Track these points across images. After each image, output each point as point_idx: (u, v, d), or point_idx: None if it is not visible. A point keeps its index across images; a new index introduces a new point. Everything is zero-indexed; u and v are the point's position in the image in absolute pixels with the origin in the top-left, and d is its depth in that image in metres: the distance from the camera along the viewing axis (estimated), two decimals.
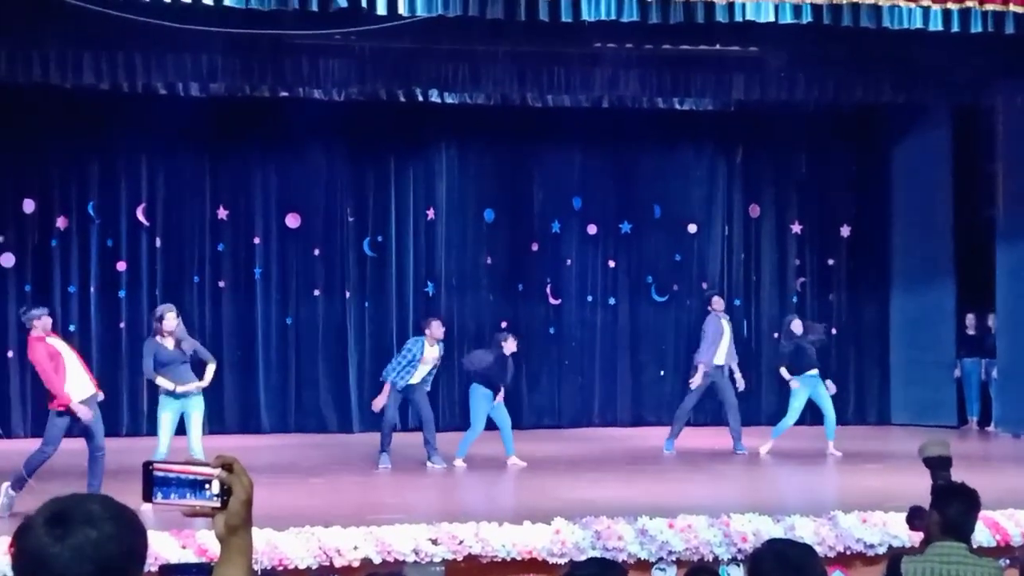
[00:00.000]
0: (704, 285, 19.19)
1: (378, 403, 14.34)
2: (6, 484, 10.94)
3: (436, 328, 14.38)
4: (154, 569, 6.80)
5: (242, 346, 17.82)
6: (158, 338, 12.21)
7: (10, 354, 16.78)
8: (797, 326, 15.57)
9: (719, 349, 15.56)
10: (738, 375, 15.78)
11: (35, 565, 2.38)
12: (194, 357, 12.35)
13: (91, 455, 11.21)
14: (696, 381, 15.54)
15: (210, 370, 12.37)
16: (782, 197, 19.53)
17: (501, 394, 14.54)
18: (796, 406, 15.44)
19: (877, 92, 16.67)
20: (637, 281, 19.12)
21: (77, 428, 11.21)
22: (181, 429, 12.22)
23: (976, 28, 13.38)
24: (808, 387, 15.41)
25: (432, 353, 14.29)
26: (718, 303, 15.82)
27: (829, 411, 15.48)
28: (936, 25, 13.23)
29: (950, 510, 5.84)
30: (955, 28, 13.32)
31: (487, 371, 14.44)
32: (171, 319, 12.22)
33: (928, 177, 18.55)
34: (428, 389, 14.55)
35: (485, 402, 14.46)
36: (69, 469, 11.27)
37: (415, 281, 18.25)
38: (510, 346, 14.50)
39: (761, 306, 19.31)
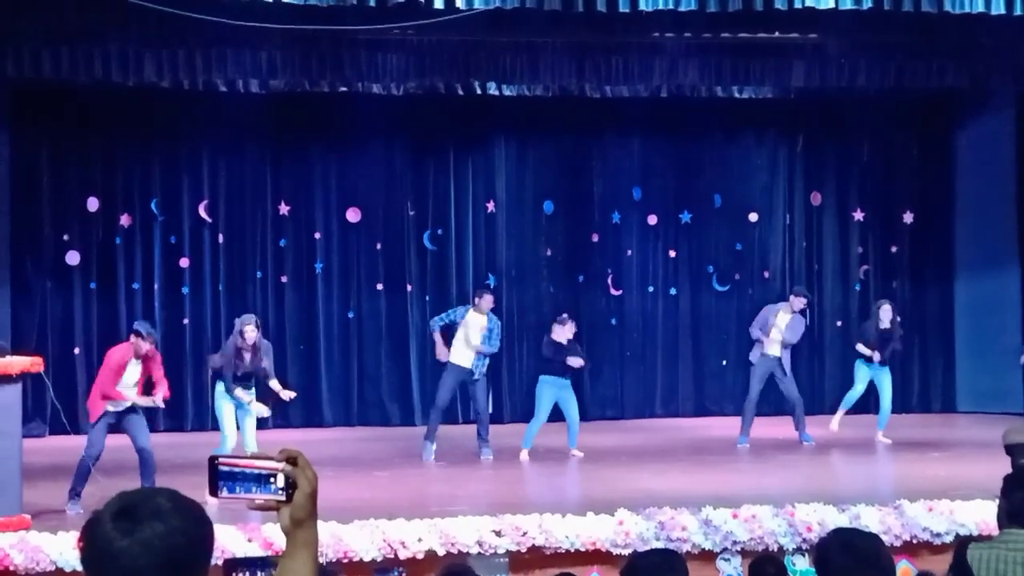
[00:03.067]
0: (766, 274, 19.10)
1: (440, 353, 14.62)
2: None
3: (486, 301, 14.59)
4: (220, 563, 6.86)
5: (305, 341, 17.92)
6: (240, 351, 12.38)
7: (76, 351, 16.95)
8: (887, 312, 15.43)
9: (771, 338, 15.36)
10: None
11: (103, 559, 2.40)
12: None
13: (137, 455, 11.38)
14: (754, 354, 15.45)
15: (274, 385, 12.61)
16: (844, 184, 19.38)
17: (579, 360, 14.51)
18: (861, 379, 15.45)
19: (940, 77, 16.47)
20: (698, 271, 19.04)
21: (121, 426, 11.41)
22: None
23: None
24: (870, 370, 15.38)
25: (477, 321, 14.38)
26: (798, 302, 15.47)
27: (886, 401, 15.46)
28: (999, 9, 13.08)
29: (1015, 497, 5.77)
30: (1017, 11, 13.17)
31: (552, 352, 14.47)
32: (250, 331, 12.37)
33: (992, 162, 18.37)
34: (482, 379, 14.60)
35: (549, 390, 14.48)
36: (136, 465, 11.37)
37: (475, 274, 18.27)
38: (564, 331, 14.49)
39: (824, 295, 19.18)
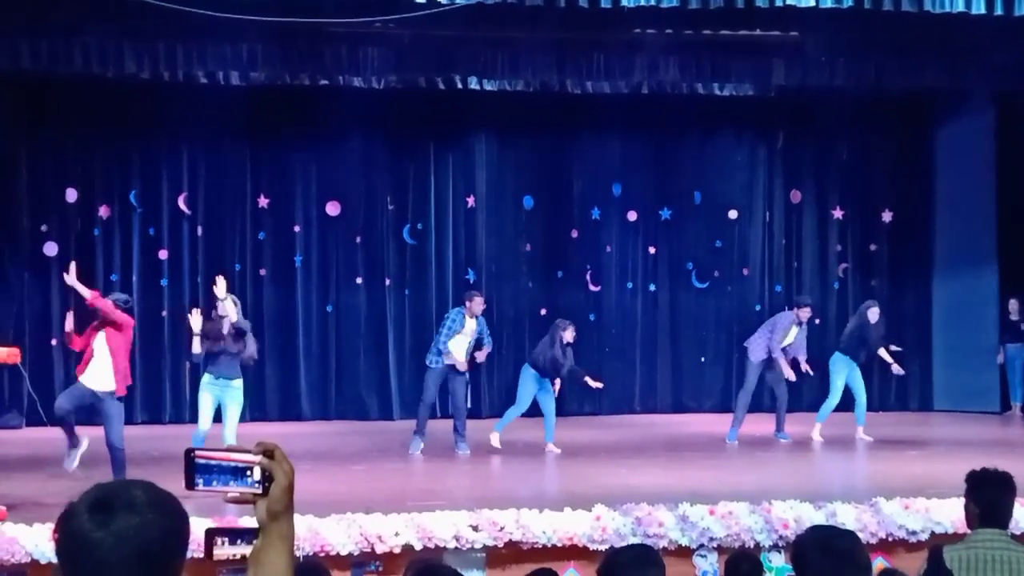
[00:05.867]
0: (745, 272, 19.14)
1: (459, 364, 14.37)
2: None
3: (477, 303, 14.55)
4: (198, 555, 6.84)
5: (283, 334, 17.89)
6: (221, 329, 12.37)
7: (53, 343, 16.88)
8: (874, 314, 15.46)
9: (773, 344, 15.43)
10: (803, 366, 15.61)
11: (79, 551, 2.39)
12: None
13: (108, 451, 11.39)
14: (788, 372, 15.37)
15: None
16: (823, 183, 19.43)
17: (558, 384, 14.72)
18: (837, 385, 15.44)
19: (920, 76, 16.52)
20: (677, 268, 19.07)
21: (99, 416, 11.43)
22: (218, 417, 12.33)
23: (1020, 11, 13.28)
24: (847, 367, 15.40)
25: (471, 326, 14.41)
26: (804, 314, 15.50)
27: (862, 396, 15.48)
28: (979, 8, 13.13)
29: (984, 497, 5.81)
30: (998, 11, 13.22)
31: (549, 361, 14.51)
32: (228, 305, 12.34)
33: (971, 161, 18.44)
34: (463, 374, 14.58)
35: (532, 382, 14.58)
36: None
37: (455, 269, 18.27)
38: (567, 335, 14.57)
39: (802, 292, 19.18)
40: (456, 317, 14.52)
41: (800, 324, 15.40)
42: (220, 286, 12.39)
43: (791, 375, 15.33)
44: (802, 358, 15.46)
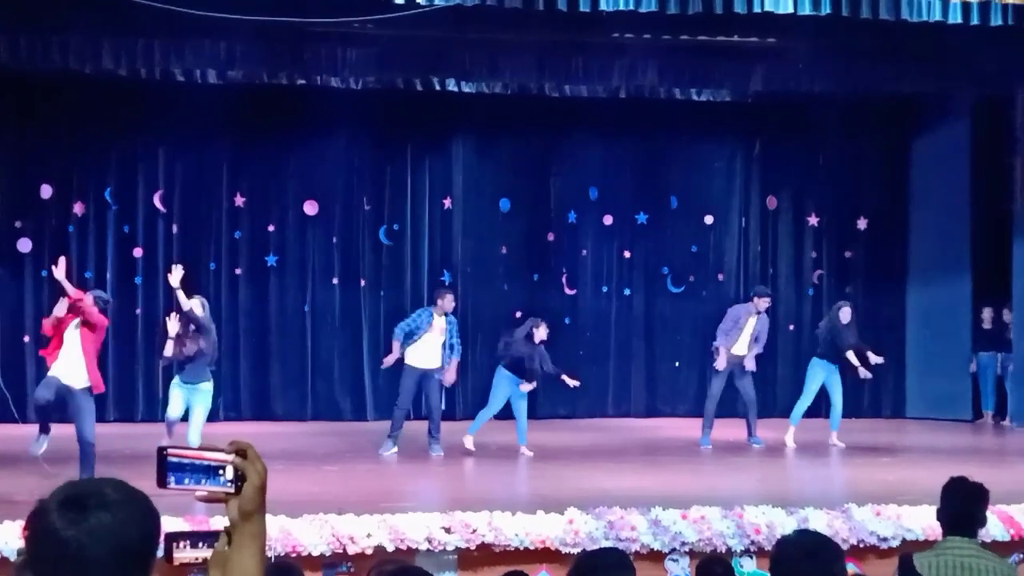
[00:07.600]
0: (720, 277, 19.16)
1: (388, 360, 14.67)
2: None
3: (448, 301, 14.54)
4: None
5: (257, 333, 17.83)
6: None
7: (26, 339, 16.81)
8: (846, 315, 15.46)
9: (740, 339, 15.43)
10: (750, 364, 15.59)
11: (50, 549, 2.38)
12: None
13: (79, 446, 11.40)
14: (720, 363, 15.38)
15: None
16: (799, 189, 19.46)
17: (531, 385, 14.65)
18: (812, 388, 15.47)
19: (897, 84, 16.58)
20: (653, 272, 19.07)
21: (68, 411, 11.47)
22: (185, 417, 12.47)
23: (996, 21, 13.35)
24: (825, 371, 15.42)
25: (440, 324, 14.35)
26: (762, 303, 15.49)
27: (838, 403, 15.49)
28: (956, 18, 13.19)
29: (957, 505, 5.86)
30: (975, 21, 13.28)
31: (517, 358, 14.51)
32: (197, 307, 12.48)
33: (947, 170, 18.48)
34: (437, 377, 14.51)
35: (507, 384, 14.56)
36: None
37: (431, 270, 18.23)
38: (540, 333, 14.56)
39: (777, 298, 19.19)
40: (423, 315, 14.54)
41: (758, 314, 15.43)
42: (175, 276, 12.40)
43: (721, 364, 15.29)
44: (756, 349, 15.44)
